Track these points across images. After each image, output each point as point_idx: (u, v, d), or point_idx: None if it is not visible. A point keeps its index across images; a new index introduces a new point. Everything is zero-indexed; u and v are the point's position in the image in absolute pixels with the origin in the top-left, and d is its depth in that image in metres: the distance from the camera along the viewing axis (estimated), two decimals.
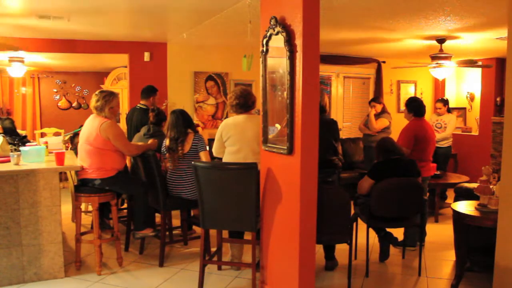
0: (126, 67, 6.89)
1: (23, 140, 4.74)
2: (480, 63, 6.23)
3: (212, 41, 6.37)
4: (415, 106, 4.52)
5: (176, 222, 4.84)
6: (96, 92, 3.86)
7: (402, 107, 7.56)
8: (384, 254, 4.06)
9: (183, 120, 4.02)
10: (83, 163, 3.76)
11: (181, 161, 3.97)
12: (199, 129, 5.89)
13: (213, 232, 3.95)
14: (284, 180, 3.00)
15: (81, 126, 4.03)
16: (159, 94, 5.44)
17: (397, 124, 6.24)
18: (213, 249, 3.95)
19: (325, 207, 3.14)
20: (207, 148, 4.13)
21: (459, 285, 3.43)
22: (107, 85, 8.54)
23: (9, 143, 4.24)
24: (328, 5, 3.86)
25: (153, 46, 6.42)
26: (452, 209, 3.54)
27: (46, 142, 5.01)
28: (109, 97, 3.78)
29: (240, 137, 3.73)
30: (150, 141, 4.20)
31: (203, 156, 3.97)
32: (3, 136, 4.24)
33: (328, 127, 3.69)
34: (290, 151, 2.84)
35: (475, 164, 7.38)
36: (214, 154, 3.97)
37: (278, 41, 2.87)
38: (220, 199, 3.31)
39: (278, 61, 2.93)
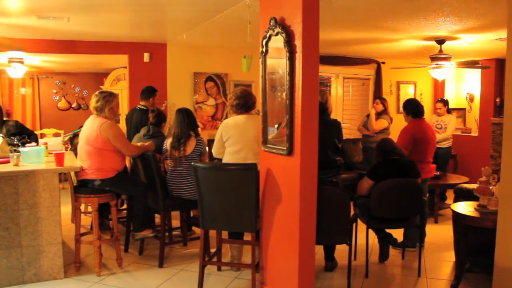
0: (125, 67, 6.89)
1: (31, 137, 4.74)
2: (480, 63, 6.25)
3: (212, 42, 6.37)
4: (412, 107, 4.53)
5: (175, 223, 4.84)
6: (96, 93, 3.86)
7: (402, 108, 7.57)
8: (383, 255, 4.06)
9: (188, 122, 4.03)
10: (83, 163, 3.76)
11: (182, 162, 3.98)
12: (199, 130, 5.90)
13: (212, 233, 3.94)
14: (283, 181, 3.00)
15: (81, 127, 4.03)
16: (158, 95, 5.44)
17: (396, 125, 6.24)
18: (213, 250, 3.95)
19: (325, 208, 3.14)
20: (207, 150, 4.15)
21: (458, 285, 3.43)
22: (107, 86, 8.54)
23: (9, 144, 4.24)
24: (328, 5, 3.86)
25: (153, 46, 6.42)
26: (451, 210, 3.54)
27: (46, 143, 5.00)
28: (109, 98, 3.79)
29: (241, 137, 3.74)
30: (148, 143, 4.20)
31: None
32: (2, 137, 4.24)
33: (332, 128, 3.71)
34: (290, 152, 2.84)
35: (474, 165, 7.38)
36: (214, 155, 3.97)
37: (277, 42, 2.87)
38: (219, 200, 3.31)
39: (277, 62, 2.93)
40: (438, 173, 5.56)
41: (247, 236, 3.84)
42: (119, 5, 4.19)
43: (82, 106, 10.13)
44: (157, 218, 4.64)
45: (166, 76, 6.51)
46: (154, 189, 3.99)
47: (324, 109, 3.65)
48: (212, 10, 4.33)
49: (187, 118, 4.04)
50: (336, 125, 3.84)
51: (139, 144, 4.18)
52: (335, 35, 5.58)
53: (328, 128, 3.62)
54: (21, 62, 6.71)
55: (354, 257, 4.15)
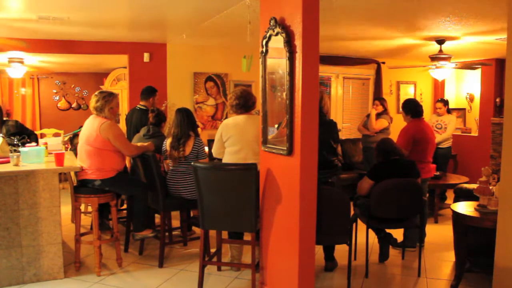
0: (125, 67, 6.89)
1: (31, 137, 4.74)
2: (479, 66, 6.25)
3: (212, 42, 6.37)
4: (411, 107, 4.53)
5: (175, 223, 4.84)
6: (96, 93, 3.86)
7: (401, 108, 7.57)
8: (383, 255, 4.06)
9: (188, 122, 4.03)
10: (83, 163, 3.76)
11: (181, 162, 3.98)
12: (199, 129, 5.90)
13: (212, 233, 3.94)
14: (283, 181, 3.00)
15: (81, 126, 4.03)
16: (158, 95, 5.44)
17: (396, 125, 6.24)
18: (213, 250, 3.95)
19: (325, 208, 3.14)
20: (207, 152, 4.14)
21: (458, 285, 3.43)
22: (107, 86, 8.55)
23: (9, 144, 4.24)
24: (328, 5, 3.86)
25: (153, 46, 6.42)
26: (451, 210, 3.54)
27: (46, 143, 4.99)
28: (109, 98, 3.79)
29: (241, 137, 3.73)
30: (147, 143, 4.20)
31: None
32: (2, 137, 4.24)
33: (327, 128, 3.69)
34: (290, 152, 2.84)
35: (474, 165, 7.38)
36: (214, 155, 3.97)
37: (277, 42, 2.87)
38: (219, 200, 3.31)
39: (277, 62, 2.93)
40: (438, 173, 5.56)
41: (247, 236, 3.84)
42: (119, 5, 4.20)
43: (82, 106, 10.13)
44: (157, 218, 4.64)
45: (166, 76, 6.51)
46: (154, 189, 3.99)
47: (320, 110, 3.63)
48: (212, 10, 4.33)
49: (187, 118, 4.04)
50: (332, 125, 3.83)
51: (139, 144, 4.18)
52: (335, 35, 5.58)
53: (324, 128, 3.61)
54: (21, 62, 6.71)
55: (354, 257, 4.15)
